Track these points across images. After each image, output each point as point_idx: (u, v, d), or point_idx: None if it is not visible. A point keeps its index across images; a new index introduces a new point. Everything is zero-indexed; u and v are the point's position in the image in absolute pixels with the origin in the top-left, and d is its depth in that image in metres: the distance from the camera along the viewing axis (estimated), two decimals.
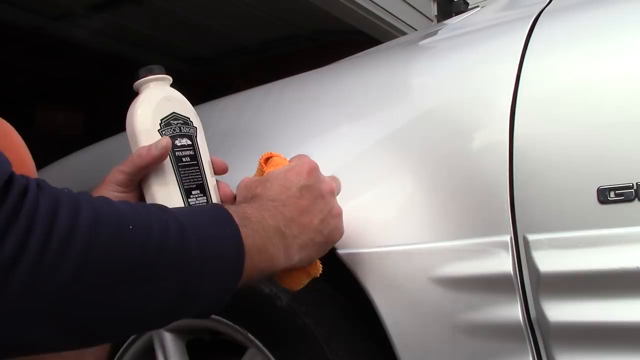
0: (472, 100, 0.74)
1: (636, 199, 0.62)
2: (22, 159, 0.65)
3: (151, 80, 0.71)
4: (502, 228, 0.68)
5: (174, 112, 0.71)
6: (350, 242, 0.74)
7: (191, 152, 0.71)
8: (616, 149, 0.64)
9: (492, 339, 0.70)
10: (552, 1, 0.80)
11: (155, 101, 0.70)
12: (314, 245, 0.66)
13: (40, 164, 0.67)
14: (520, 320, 0.68)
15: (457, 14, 2.38)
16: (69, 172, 1.33)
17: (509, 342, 0.69)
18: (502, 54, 0.75)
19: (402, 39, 1.32)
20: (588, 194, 0.64)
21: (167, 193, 0.68)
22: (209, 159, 0.73)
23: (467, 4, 3.10)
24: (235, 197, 0.71)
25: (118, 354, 0.99)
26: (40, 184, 0.46)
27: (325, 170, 0.70)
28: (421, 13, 3.01)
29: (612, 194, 0.63)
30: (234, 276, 0.56)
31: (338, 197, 0.71)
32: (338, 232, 0.69)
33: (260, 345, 0.83)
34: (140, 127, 0.69)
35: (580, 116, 0.67)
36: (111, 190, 0.68)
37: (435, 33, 1.00)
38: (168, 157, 0.68)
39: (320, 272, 0.69)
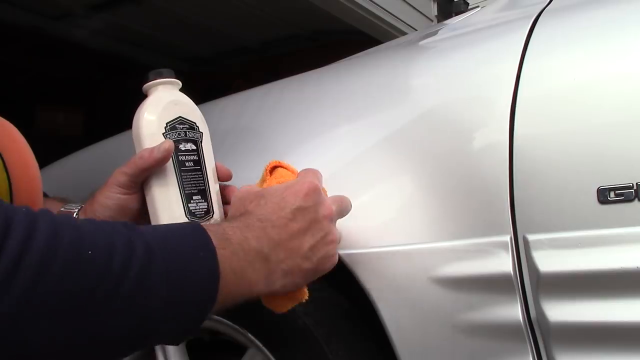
0: (472, 100, 0.74)
1: (636, 199, 0.62)
2: (25, 159, 0.65)
3: (160, 84, 0.71)
4: (502, 228, 0.68)
5: (180, 117, 0.71)
6: (350, 242, 0.74)
7: (195, 157, 0.71)
8: (616, 149, 0.64)
9: (492, 339, 0.70)
10: (552, 1, 0.80)
11: (162, 104, 0.70)
12: (300, 272, 0.61)
13: (41, 164, 0.67)
14: (520, 320, 0.68)
15: (457, 14, 2.38)
16: (69, 172, 1.33)
17: (509, 342, 0.69)
18: (503, 54, 0.75)
19: (402, 39, 1.32)
20: (588, 194, 0.64)
21: (167, 196, 0.68)
22: (214, 165, 0.73)
23: (467, 4, 3.10)
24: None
25: None
26: None
27: (326, 171, 0.70)
28: (421, 13, 3.01)
29: (612, 194, 0.63)
30: (206, 303, 0.53)
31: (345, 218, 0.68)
32: (330, 260, 0.64)
33: (260, 345, 0.83)
34: (145, 129, 0.69)
35: (580, 116, 0.67)
36: (113, 192, 0.69)
37: (435, 33, 1.00)
38: (171, 160, 0.68)
39: (307, 297, 0.65)
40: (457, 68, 0.79)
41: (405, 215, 0.74)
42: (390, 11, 2.75)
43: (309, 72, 1.05)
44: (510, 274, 0.67)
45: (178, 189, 0.69)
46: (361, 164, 0.79)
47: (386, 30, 2.78)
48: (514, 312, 0.68)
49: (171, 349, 0.94)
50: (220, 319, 0.86)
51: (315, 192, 0.63)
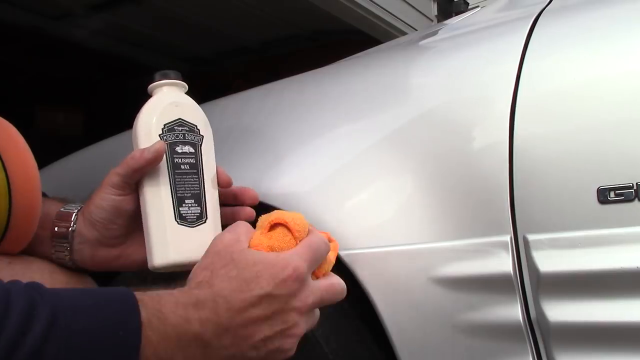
0: (472, 100, 0.74)
1: (636, 199, 0.62)
2: (24, 159, 0.65)
3: (165, 85, 0.71)
4: (502, 228, 0.68)
5: (180, 119, 0.70)
6: (350, 242, 0.74)
7: (192, 160, 0.69)
8: (616, 148, 0.64)
9: (492, 339, 0.70)
10: (553, 1, 0.80)
11: (162, 105, 0.69)
12: None
13: (40, 164, 0.67)
14: (520, 320, 0.67)
15: (457, 14, 2.38)
16: (69, 172, 1.33)
17: (508, 342, 0.69)
18: (503, 54, 0.75)
19: (402, 39, 1.32)
20: (588, 194, 0.64)
21: (158, 199, 0.67)
22: (214, 169, 0.71)
23: (467, 4, 3.10)
24: (250, 215, 0.71)
25: None
26: None
27: (326, 171, 0.70)
28: (421, 13, 3.01)
29: (612, 194, 0.63)
30: None
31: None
32: (281, 354, 0.57)
33: None
34: (142, 129, 0.69)
35: (580, 116, 0.67)
36: (108, 193, 0.68)
37: (435, 33, 1.00)
38: (165, 162, 0.67)
39: None
40: (457, 68, 0.79)
41: (405, 215, 0.74)
42: (390, 11, 2.75)
43: (309, 72, 1.05)
44: (510, 274, 0.67)
45: (170, 192, 0.67)
46: (361, 164, 0.79)
47: (386, 30, 2.78)
48: (514, 312, 0.68)
49: None
50: None
51: (297, 280, 0.56)
